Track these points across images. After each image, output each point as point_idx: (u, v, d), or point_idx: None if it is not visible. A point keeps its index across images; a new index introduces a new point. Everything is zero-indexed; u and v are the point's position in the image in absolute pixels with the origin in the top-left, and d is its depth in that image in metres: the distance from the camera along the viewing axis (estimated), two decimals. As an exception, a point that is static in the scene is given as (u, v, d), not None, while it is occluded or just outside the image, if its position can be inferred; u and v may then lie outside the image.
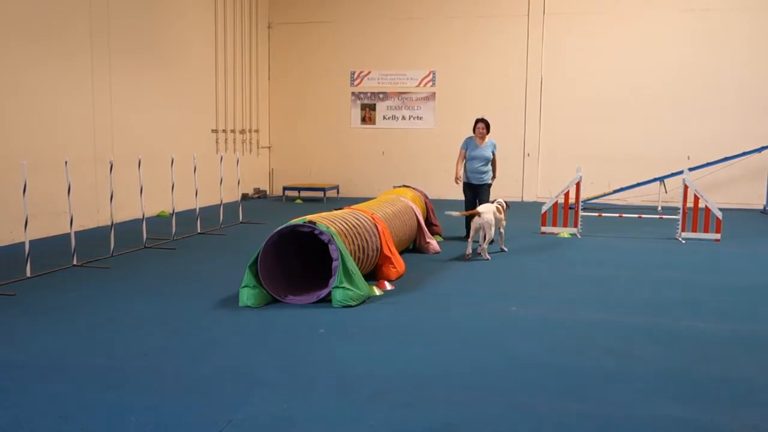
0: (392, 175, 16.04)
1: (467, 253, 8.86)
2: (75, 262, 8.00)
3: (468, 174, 10.19)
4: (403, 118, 16.75)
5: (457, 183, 10.35)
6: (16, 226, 8.99)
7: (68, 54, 10.59)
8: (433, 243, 9.30)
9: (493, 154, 10.22)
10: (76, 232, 8.22)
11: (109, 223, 8.85)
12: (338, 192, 17.00)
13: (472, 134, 10.25)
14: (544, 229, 11.04)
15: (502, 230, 9.43)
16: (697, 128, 15.33)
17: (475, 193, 10.16)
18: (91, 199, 10.95)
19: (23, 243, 7.41)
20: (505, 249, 9.45)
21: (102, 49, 11.31)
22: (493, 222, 8.83)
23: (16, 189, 7.67)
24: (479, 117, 10.30)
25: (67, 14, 10.54)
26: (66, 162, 8.05)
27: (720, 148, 14.81)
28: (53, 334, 5.43)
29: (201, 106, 14.68)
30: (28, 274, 7.32)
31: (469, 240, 9.00)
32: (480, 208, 8.96)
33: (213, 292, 6.75)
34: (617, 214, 11.57)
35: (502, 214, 9.32)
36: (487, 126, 10.11)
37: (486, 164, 10.12)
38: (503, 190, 15.20)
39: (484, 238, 8.78)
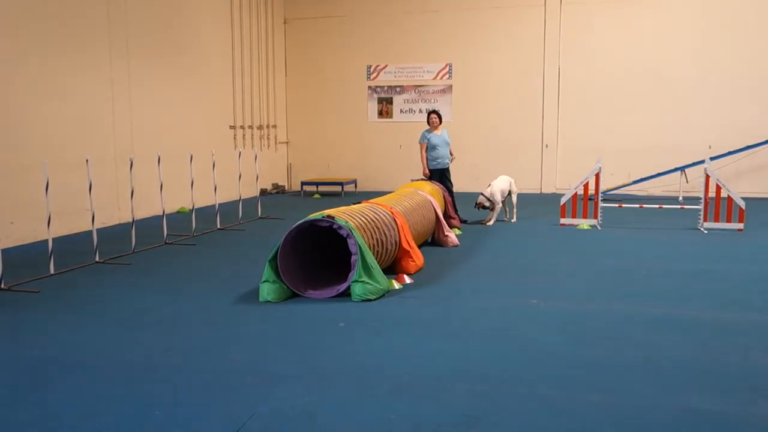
0: (410, 169, 15.96)
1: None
2: (97, 259, 8.09)
3: (438, 160, 11.14)
4: (420, 111, 16.71)
5: (425, 177, 11.12)
6: (39, 224, 9.08)
7: (87, 53, 10.69)
8: (452, 236, 9.29)
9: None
10: (97, 229, 8.30)
11: (130, 220, 8.93)
12: (356, 186, 17.03)
13: (427, 126, 11.29)
14: (563, 220, 10.99)
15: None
16: (719, 117, 15.15)
17: (442, 175, 11.15)
18: (112, 197, 11.06)
19: (47, 240, 7.50)
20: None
21: (120, 49, 11.40)
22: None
23: (39, 187, 7.77)
24: (432, 109, 11.49)
25: (86, 14, 10.63)
26: (87, 160, 8.13)
27: (742, 136, 14.63)
28: (76, 330, 5.50)
29: (219, 102, 14.76)
30: (52, 271, 7.41)
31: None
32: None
33: (233, 288, 6.79)
34: (638, 205, 11.48)
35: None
36: (440, 117, 11.30)
37: (448, 147, 11.22)
38: (522, 181, 15.14)
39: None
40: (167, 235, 9.48)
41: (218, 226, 10.69)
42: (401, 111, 17.19)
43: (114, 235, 10.03)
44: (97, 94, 10.94)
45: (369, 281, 6.27)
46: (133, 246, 8.74)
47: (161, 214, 9.53)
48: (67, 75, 10.29)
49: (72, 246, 9.10)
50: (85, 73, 10.66)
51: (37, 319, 5.83)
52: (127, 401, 4.03)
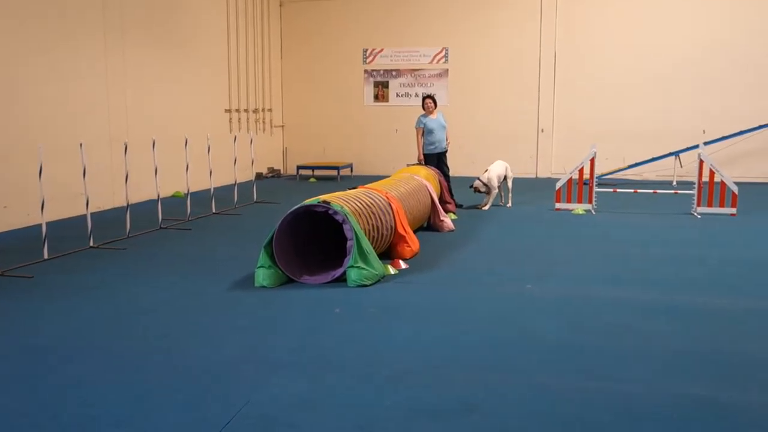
0: (406, 153, 15.93)
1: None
2: (91, 244, 8.07)
3: (435, 144, 11.14)
4: (416, 95, 16.63)
5: (420, 162, 11.09)
6: (33, 209, 9.05)
7: (81, 37, 10.61)
8: (447, 221, 9.29)
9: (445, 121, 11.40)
10: (92, 214, 8.28)
11: (125, 205, 8.90)
12: (352, 170, 17.00)
13: (423, 111, 11.28)
14: (558, 205, 11.00)
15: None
16: (713, 102, 15.16)
17: (439, 159, 11.17)
18: (107, 181, 11.02)
19: (40, 225, 7.47)
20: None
21: (115, 32, 11.32)
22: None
23: (33, 172, 7.71)
24: (426, 94, 11.48)
25: (79, -3, 10.55)
26: (81, 144, 8.09)
27: (736, 121, 14.65)
28: (72, 316, 5.49)
29: (214, 86, 14.68)
30: (46, 256, 7.39)
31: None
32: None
33: (229, 273, 6.79)
34: (632, 190, 11.49)
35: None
36: (434, 101, 11.24)
37: (444, 131, 11.20)
38: (518, 166, 15.15)
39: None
40: (162, 219, 9.46)
41: (213, 211, 10.67)
42: (397, 95, 17.14)
43: (108, 219, 10.00)
44: (91, 79, 10.87)
45: (365, 267, 6.28)
46: (128, 231, 8.72)
47: (156, 198, 9.50)
48: (61, 59, 10.21)
49: (66, 231, 9.07)
50: (79, 57, 10.58)
51: (31, 304, 5.81)
52: (123, 388, 4.03)
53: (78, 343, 4.83)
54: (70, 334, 5.04)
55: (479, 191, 11.15)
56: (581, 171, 10.81)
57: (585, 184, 10.91)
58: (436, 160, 11.09)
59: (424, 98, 11.28)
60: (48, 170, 7.73)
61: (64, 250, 7.77)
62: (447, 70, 16.76)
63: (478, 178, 11.16)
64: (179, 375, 4.22)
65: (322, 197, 6.52)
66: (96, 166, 10.22)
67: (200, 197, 11.46)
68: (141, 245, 8.27)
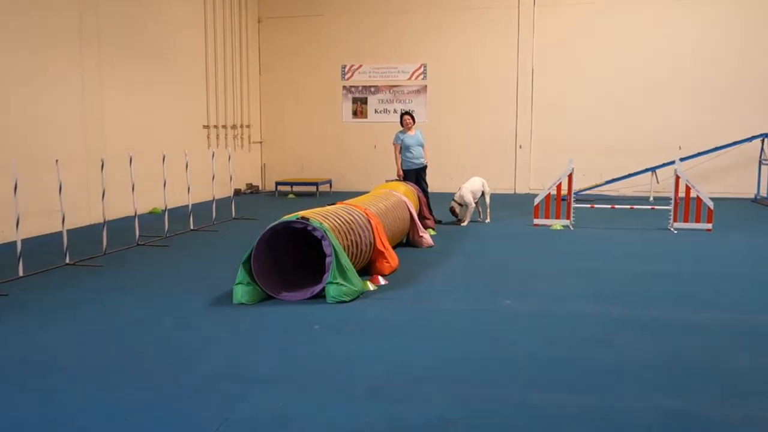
0: (385, 169, 15.96)
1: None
2: (67, 261, 7.97)
3: (412, 160, 11.16)
4: (395, 111, 16.71)
5: (400, 178, 11.13)
6: (7, 225, 8.94)
7: (58, 52, 10.54)
8: (426, 237, 9.31)
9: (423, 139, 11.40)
10: (68, 231, 8.19)
11: (102, 221, 8.82)
12: (331, 186, 16.99)
13: (401, 128, 11.30)
14: (536, 221, 11.06)
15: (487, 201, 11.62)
16: (688, 118, 15.38)
17: (418, 175, 11.20)
18: (83, 197, 10.91)
19: (15, 242, 7.38)
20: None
21: (91, 47, 11.25)
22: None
23: (8, 188, 7.63)
24: (404, 111, 11.59)
25: (57, 11, 10.47)
26: (57, 161, 8.01)
27: (711, 137, 14.86)
28: (47, 333, 5.42)
29: (192, 102, 14.64)
30: (21, 273, 7.29)
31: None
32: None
33: (207, 290, 6.74)
34: (609, 206, 11.60)
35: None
36: (413, 118, 11.35)
37: (422, 148, 11.23)
38: (497, 182, 15.26)
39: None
40: (139, 236, 9.38)
41: (191, 227, 10.60)
42: (376, 111, 17.19)
43: (85, 236, 9.90)
44: (67, 93, 10.78)
45: (343, 283, 6.26)
46: (105, 247, 8.64)
47: (133, 214, 9.42)
48: (36, 73, 10.12)
49: (42, 247, 8.96)
50: (54, 72, 10.50)
51: (5, 322, 5.72)
52: (98, 406, 3.98)
53: (51, 361, 4.76)
54: (44, 352, 4.97)
55: (456, 212, 11.17)
56: (559, 187, 10.90)
57: (563, 200, 10.99)
58: (414, 176, 11.14)
59: (402, 115, 11.35)
60: (23, 186, 7.64)
61: (39, 268, 7.67)
62: (425, 86, 16.86)
63: (453, 199, 11.21)
64: (155, 392, 4.17)
65: (301, 213, 6.51)
66: (72, 182, 10.13)
67: (178, 213, 11.39)
68: (118, 262, 8.19)
